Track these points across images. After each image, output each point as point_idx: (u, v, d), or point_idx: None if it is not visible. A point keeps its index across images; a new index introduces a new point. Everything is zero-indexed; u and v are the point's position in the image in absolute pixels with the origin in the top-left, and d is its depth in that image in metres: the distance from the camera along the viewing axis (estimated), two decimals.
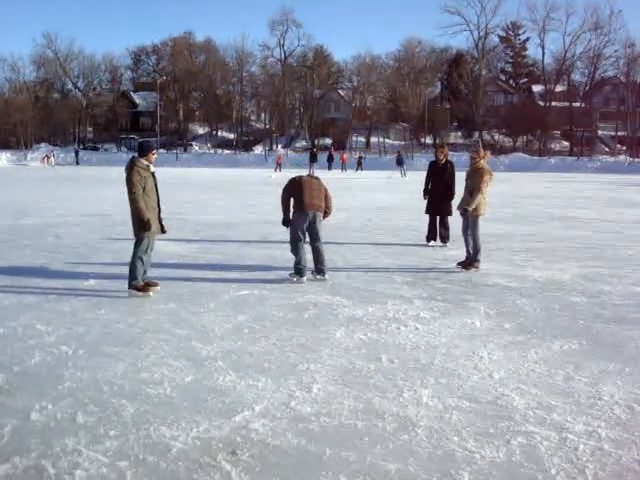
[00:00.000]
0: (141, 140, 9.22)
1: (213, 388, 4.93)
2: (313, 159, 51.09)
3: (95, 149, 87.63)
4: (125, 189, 7.89)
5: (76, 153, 74.58)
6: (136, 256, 7.92)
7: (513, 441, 4.08)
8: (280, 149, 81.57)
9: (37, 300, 7.74)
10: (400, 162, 48.93)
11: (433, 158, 12.85)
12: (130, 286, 7.96)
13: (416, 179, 38.88)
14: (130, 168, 7.79)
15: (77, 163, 71.90)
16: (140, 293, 7.94)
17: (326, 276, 9.09)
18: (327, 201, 9.22)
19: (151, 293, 7.99)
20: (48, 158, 70.00)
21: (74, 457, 3.82)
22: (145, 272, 8.09)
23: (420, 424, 4.32)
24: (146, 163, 7.92)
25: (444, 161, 12.27)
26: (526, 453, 3.92)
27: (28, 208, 19.45)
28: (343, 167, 54.91)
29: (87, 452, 3.88)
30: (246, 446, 3.99)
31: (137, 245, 7.94)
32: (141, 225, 7.79)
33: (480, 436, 4.14)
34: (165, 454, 3.87)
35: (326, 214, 9.25)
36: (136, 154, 8.10)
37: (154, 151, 8.11)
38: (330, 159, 56.29)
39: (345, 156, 58.85)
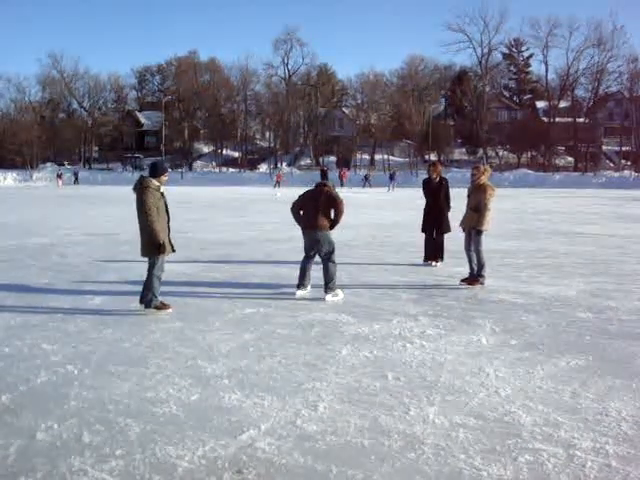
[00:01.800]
0: (154, 161, 9.21)
1: (219, 407, 4.93)
2: (323, 176, 52.73)
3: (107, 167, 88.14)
4: (133, 208, 7.94)
5: (75, 174, 74.68)
6: (154, 276, 7.97)
7: (520, 458, 4.06)
8: (284, 167, 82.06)
9: (42, 319, 7.75)
10: (391, 177, 56.39)
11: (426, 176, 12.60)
12: (150, 306, 8.03)
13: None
14: (144, 189, 7.82)
15: (76, 182, 71.89)
16: (161, 312, 8.03)
17: (327, 297, 8.94)
18: (335, 209, 9.13)
19: (170, 309, 8.07)
20: (60, 177, 70.38)
21: (80, 477, 3.82)
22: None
23: (427, 442, 4.30)
24: (157, 184, 7.96)
25: (438, 179, 12.11)
26: (533, 470, 3.90)
27: (33, 227, 19.51)
28: (342, 184, 56.52)
29: (93, 472, 3.87)
30: (252, 465, 3.98)
31: (153, 266, 7.98)
32: (155, 247, 7.83)
33: (487, 454, 4.12)
34: (171, 473, 3.86)
35: (335, 222, 9.18)
36: (145, 173, 8.14)
37: (167, 173, 8.17)
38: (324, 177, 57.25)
39: (344, 173, 62.08)
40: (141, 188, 7.86)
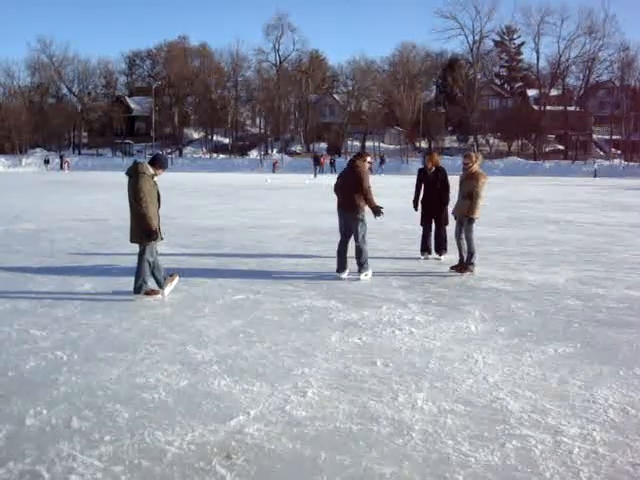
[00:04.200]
0: (159, 153, 9.22)
1: (208, 393, 4.93)
2: (317, 162, 58.86)
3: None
4: (123, 194, 7.91)
5: (61, 158, 74.87)
6: (144, 262, 7.97)
7: (508, 444, 4.08)
8: (274, 153, 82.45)
9: (32, 305, 7.72)
10: (382, 161, 62.92)
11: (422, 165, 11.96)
12: (139, 292, 8.03)
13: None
14: (141, 175, 7.78)
15: (61, 168, 71.89)
16: (150, 297, 8.04)
17: (361, 276, 9.35)
18: (362, 191, 9.19)
19: (159, 295, 8.08)
20: (67, 163, 70.51)
21: (69, 462, 3.82)
22: (165, 276, 8.25)
23: (415, 428, 4.32)
24: (152, 171, 7.95)
25: (433, 169, 11.35)
26: (521, 456, 3.93)
27: (22, 213, 19.41)
28: (321, 170, 58.78)
29: (82, 457, 3.87)
30: (241, 450, 3.99)
31: (143, 252, 7.98)
32: (148, 234, 7.82)
33: (475, 440, 4.15)
34: (160, 459, 3.87)
35: (368, 204, 9.27)
36: (139, 159, 8.12)
37: (164, 170, 8.18)
38: (317, 163, 60.65)
39: (323, 160, 64.06)
40: (136, 174, 7.83)
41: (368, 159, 9.62)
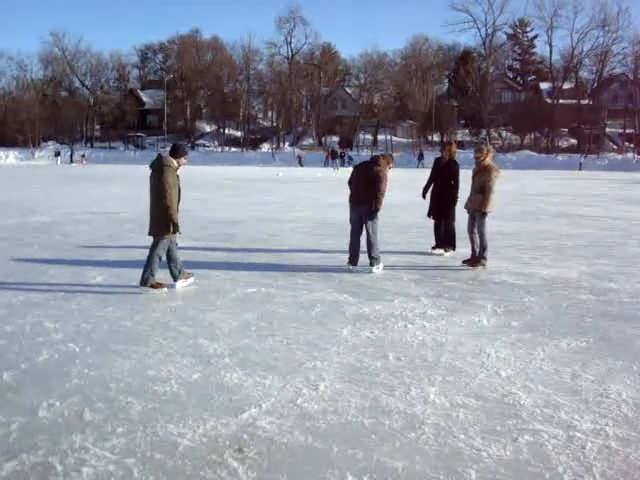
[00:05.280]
0: (176, 142, 9.26)
1: (220, 385, 4.94)
2: (334, 156, 60.97)
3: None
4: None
5: (71, 151, 75.80)
6: (155, 255, 7.97)
7: (520, 439, 4.07)
8: (286, 146, 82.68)
9: (44, 298, 7.76)
10: (421, 156, 63.04)
11: (439, 155, 11.82)
12: (146, 284, 8.03)
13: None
14: (166, 168, 7.80)
15: (71, 161, 72.42)
16: (156, 290, 8.04)
17: (373, 268, 9.44)
18: (375, 189, 9.30)
19: (166, 289, 8.09)
20: (83, 157, 71.02)
21: (81, 454, 3.83)
22: (181, 270, 8.28)
23: (427, 422, 4.31)
24: (176, 165, 7.97)
25: (447, 160, 11.15)
26: (533, 451, 3.91)
27: (35, 206, 19.49)
28: (326, 163, 59.87)
29: (94, 449, 3.89)
30: (253, 443, 3.99)
31: (156, 246, 7.98)
32: (169, 227, 7.83)
33: (487, 434, 4.13)
34: (172, 451, 3.88)
35: (376, 203, 9.37)
36: (163, 153, 8.13)
37: (186, 156, 8.19)
38: (334, 157, 62.75)
39: (328, 155, 65.55)
40: (161, 167, 7.84)
41: (391, 165, 9.71)
